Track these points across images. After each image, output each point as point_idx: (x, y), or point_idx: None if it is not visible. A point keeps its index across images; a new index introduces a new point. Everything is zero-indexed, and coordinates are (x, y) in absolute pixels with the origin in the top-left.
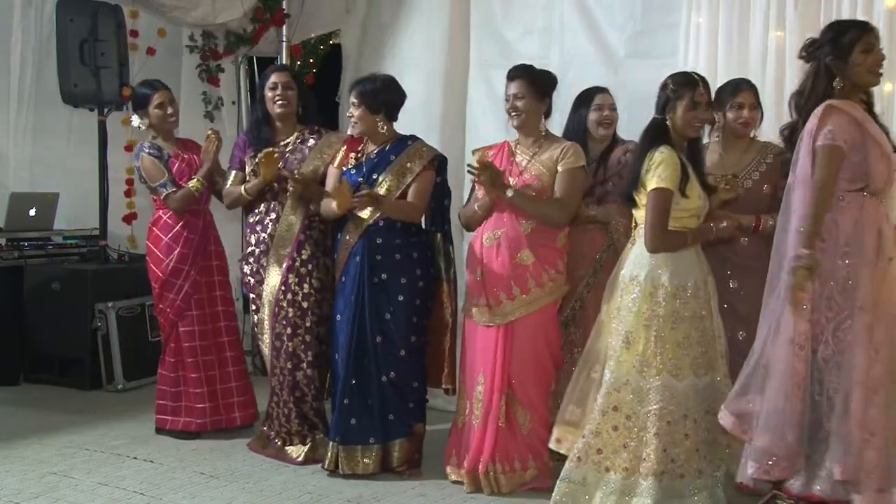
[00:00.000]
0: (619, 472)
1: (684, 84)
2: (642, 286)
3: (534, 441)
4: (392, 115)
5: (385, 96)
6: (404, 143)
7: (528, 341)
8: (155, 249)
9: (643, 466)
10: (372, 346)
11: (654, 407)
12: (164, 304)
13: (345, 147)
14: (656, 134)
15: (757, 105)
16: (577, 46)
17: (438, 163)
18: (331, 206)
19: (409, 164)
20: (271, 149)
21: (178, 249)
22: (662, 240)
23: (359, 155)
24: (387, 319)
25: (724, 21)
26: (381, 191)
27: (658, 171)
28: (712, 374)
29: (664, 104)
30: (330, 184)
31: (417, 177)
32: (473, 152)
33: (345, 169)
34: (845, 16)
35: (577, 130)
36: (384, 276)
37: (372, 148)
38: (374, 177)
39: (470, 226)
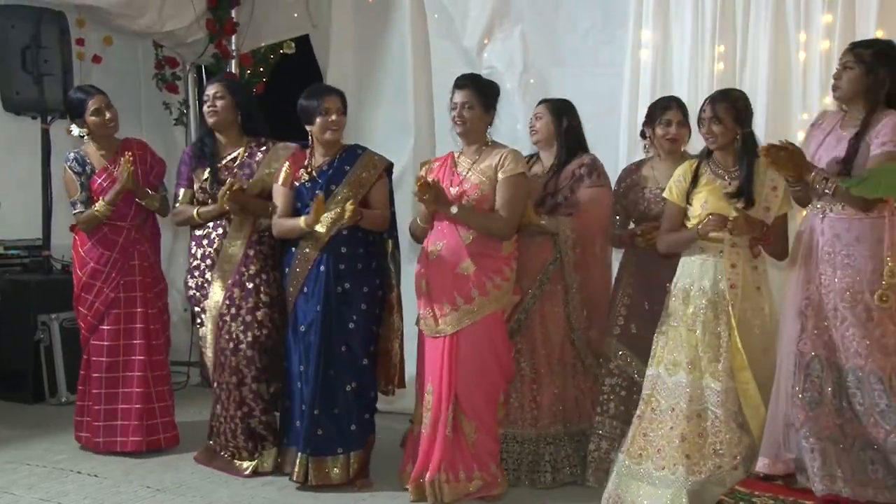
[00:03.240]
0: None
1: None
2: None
3: (480, 451)
4: None
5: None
6: (354, 152)
7: (474, 351)
8: (74, 262)
9: (623, 444)
10: (338, 356)
11: (645, 393)
12: (79, 317)
13: (287, 163)
14: (702, 152)
15: (685, 122)
16: (537, 55)
17: (389, 171)
18: (298, 224)
19: (364, 175)
20: (230, 181)
21: (91, 264)
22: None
23: (308, 168)
24: (350, 329)
25: (676, 33)
26: (340, 202)
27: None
28: (701, 375)
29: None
30: (279, 203)
31: (374, 186)
32: (421, 165)
33: (298, 184)
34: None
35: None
36: (347, 285)
37: (322, 160)
38: (333, 188)
39: (417, 237)
